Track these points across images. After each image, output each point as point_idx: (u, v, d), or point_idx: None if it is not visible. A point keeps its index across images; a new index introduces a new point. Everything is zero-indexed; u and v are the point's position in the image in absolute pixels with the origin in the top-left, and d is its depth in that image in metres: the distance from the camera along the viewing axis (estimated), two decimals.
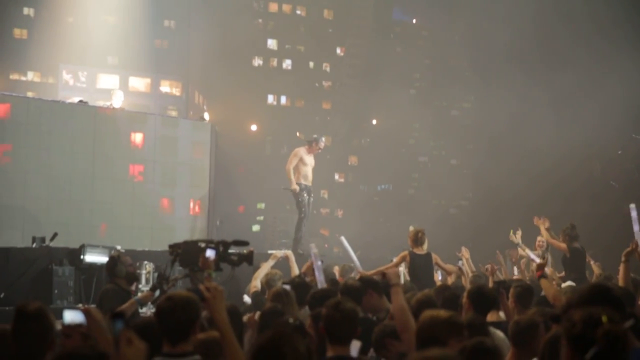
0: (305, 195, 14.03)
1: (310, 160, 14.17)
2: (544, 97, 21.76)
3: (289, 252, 10.77)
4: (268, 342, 3.42)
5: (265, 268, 10.18)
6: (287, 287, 7.10)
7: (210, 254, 6.69)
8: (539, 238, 12.87)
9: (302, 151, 14.11)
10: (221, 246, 7.84)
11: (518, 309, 7.04)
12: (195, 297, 4.37)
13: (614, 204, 22.72)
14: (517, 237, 12.41)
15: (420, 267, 10.38)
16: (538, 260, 11.23)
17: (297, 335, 3.56)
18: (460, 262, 10.68)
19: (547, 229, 12.45)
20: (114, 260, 8.24)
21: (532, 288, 7.51)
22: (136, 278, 9.00)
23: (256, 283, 9.76)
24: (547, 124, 21.64)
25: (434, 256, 10.65)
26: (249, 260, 7.61)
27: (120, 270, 8.08)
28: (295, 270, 9.74)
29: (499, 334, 5.72)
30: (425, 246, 10.72)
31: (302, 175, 13.97)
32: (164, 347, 4.24)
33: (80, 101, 15.12)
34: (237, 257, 7.71)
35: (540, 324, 5.19)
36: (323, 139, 14.36)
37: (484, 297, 5.97)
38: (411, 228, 11.27)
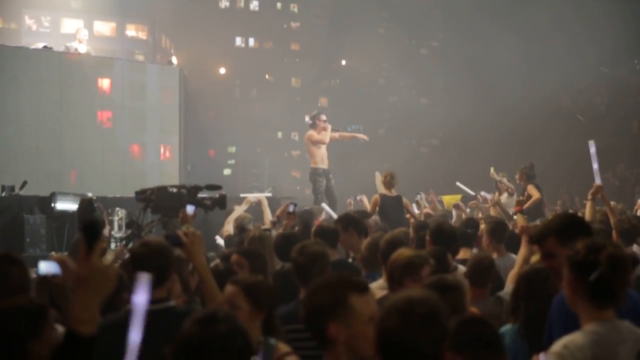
0: (322, 180, 13.49)
1: (327, 141, 13.51)
2: (512, 33, 21.74)
3: (262, 196, 10.76)
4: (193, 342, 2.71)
5: (237, 212, 10.19)
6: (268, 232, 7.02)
7: (190, 209, 6.72)
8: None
9: (314, 135, 13.49)
10: (194, 190, 7.86)
11: (493, 245, 7.15)
12: (168, 243, 4.38)
13: (581, 138, 23.03)
14: (496, 174, 12.69)
15: (390, 208, 10.54)
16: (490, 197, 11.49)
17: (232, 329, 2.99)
18: (418, 196, 10.86)
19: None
20: (90, 205, 8.07)
21: (504, 222, 7.61)
22: (107, 224, 8.81)
23: (228, 227, 9.76)
24: (515, 59, 21.71)
25: (405, 200, 10.90)
26: (222, 205, 7.62)
27: (97, 216, 7.95)
28: (268, 214, 9.73)
29: (461, 268, 5.80)
30: (395, 189, 10.95)
31: (319, 160, 13.48)
32: None
33: (45, 47, 14.82)
34: (210, 201, 7.73)
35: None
36: (322, 114, 13.76)
37: (444, 234, 6.03)
38: (377, 174, 11.44)
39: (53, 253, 10.82)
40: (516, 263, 5.72)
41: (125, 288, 4.43)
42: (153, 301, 4.13)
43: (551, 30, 21.87)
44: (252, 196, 10.89)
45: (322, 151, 13.52)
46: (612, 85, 24.39)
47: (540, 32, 22.27)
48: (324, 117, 13.56)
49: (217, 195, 7.65)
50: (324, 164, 13.52)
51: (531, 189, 11.89)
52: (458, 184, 13.16)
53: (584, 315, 3.12)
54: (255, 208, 10.58)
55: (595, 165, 7.48)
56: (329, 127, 13.51)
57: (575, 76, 23.58)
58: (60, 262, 4.39)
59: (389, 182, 11.02)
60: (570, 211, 10.43)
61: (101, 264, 2.34)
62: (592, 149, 7.62)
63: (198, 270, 4.46)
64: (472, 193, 12.94)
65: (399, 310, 2.61)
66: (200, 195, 7.68)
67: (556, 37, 21.92)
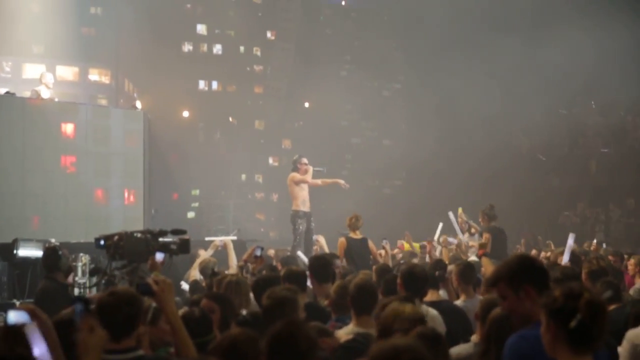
0: (303, 222, 13.39)
1: (310, 181, 13.53)
2: (473, 74, 22.12)
3: (228, 240, 10.75)
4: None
5: (203, 256, 10.17)
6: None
7: (159, 257, 6.73)
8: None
9: (296, 175, 13.48)
10: (160, 235, 7.84)
11: (461, 286, 7.24)
12: (138, 292, 4.38)
13: (541, 177, 23.42)
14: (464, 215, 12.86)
15: (356, 251, 10.61)
16: (456, 241, 11.64)
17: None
18: (384, 241, 10.95)
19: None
20: (55, 253, 7.98)
21: (472, 265, 7.71)
22: (72, 270, 8.70)
23: (195, 272, 9.74)
24: (477, 100, 22.04)
25: (370, 243, 11.01)
26: (186, 249, 7.64)
27: (63, 264, 7.87)
28: (233, 258, 9.73)
29: (432, 311, 5.87)
30: (359, 231, 11.06)
31: (301, 202, 13.41)
32: (106, 344, 4.18)
33: (7, 92, 14.75)
34: (175, 245, 7.74)
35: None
36: (303, 157, 13.64)
37: (415, 277, 6.11)
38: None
39: (16, 301, 10.67)
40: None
41: None
42: (122, 350, 4.15)
43: (511, 72, 22.29)
44: (219, 240, 10.88)
45: (304, 193, 13.46)
46: (571, 126, 24.89)
47: (500, 74, 22.69)
48: (305, 160, 13.59)
49: (179, 240, 7.64)
50: (305, 207, 13.47)
51: (485, 238, 12.05)
52: (450, 214, 13.25)
53: None
54: (221, 252, 10.58)
55: (566, 257, 7.75)
56: (311, 168, 13.55)
57: (535, 117, 24.05)
58: (30, 312, 4.37)
59: (353, 224, 11.15)
60: (533, 251, 10.63)
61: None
62: (570, 241, 7.86)
63: (169, 318, 4.46)
64: (457, 228, 13.06)
65: (385, 358, 2.67)
66: (165, 239, 7.67)
67: (516, 79, 22.34)
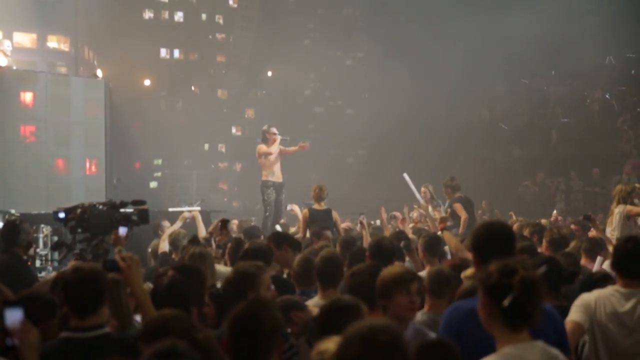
0: (272, 193, 13.37)
1: (275, 151, 13.41)
2: (434, 42, 22.11)
3: (196, 212, 10.69)
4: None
5: (172, 228, 10.12)
6: None
7: (122, 231, 6.68)
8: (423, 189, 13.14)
9: (262, 147, 13.41)
10: (121, 207, 7.80)
11: (427, 258, 7.29)
12: (101, 268, 4.34)
13: (502, 147, 23.62)
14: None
15: (318, 221, 10.59)
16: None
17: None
18: (361, 216, 10.93)
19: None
20: (16, 227, 7.84)
21: (439, 237, 7.75)
22: (32, 245, 8.57)
23: (164, 244, 9.69)
24: (438, 69, 22.06)
25: (334, 213, 11.02)
26: (145, 219, 7.62)
27: (22, 239, 7.74)
28: (202, 230, 9.68)
29: None
30: (324, 202, 11.06)
31: (269, 172, 13.37)
32: (71, 321, 4.12)
33: None
34: (136, 216, 7.71)
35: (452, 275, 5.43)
36: (272, 127, 13.54)
37: (382, 249, 6.13)
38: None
39: None
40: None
41: (55, 314, 4.36)
42: (88, 328, 4.10)
43: (472, 40, 22.34)
44: (187, 212, 10.82)
45: (272, 163, 13.41)
46: (532, 95, 25.08)
47: (461, 41, 22.74)
48: (274, 130, 13.50)
49: (138, 211, 7.62)
50: (274, 177, 13.43)
51: (458, 207, 12.08)
52: (405, 175, 13.26)
53: (499, 337, 3.21)
54: (189, 223, 10.54)
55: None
56: (279, 137, 13.48)
57: (496, 87, 24.18)
58: None
59: (317, 195, 11.15)
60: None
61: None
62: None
63: (136, 294, 4.46)
64: (414, 189, 13.07)
65: (361, 338, 2.65)
66: (126, 210, 7.63)
67: (478, 48, 22.39)
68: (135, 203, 7.58)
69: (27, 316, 4.07)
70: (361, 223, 10.34)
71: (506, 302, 3.11)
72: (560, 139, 23.55)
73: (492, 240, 3.99)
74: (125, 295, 4.83)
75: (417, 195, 12.98)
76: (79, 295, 4.10)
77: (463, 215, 11.89)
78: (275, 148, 13.39)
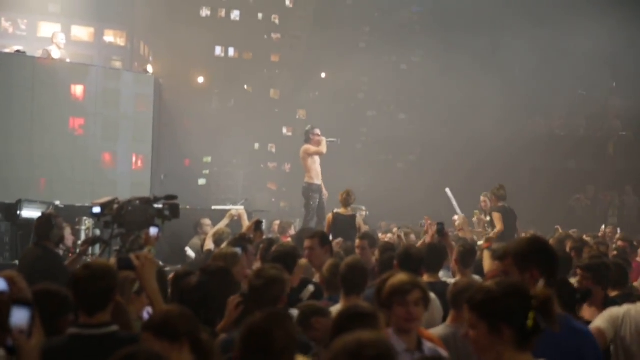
0: (317, 197, 13.20)
1: (322, 150, 13.30)
2: (491, 52, 21.83)
3: (242, 210, 10.69)
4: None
5: (218, 226, 10.15)
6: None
7: (153, 231, 6.69)
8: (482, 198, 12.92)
9: (311, 148, 13.24)
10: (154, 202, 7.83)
11: (459, 269, 7.12)
12: (113, 265, 4.32)
13: (558, 159, 23.17)
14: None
15: (340, 227, 10.46)
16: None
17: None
18: (399, 230, 10.77)
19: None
20: (49, 222, 7.85)
21: (474, 249, 7.59)
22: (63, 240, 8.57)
23: (209, 242, 9.73)
24: (493, 78, 21.77)
25: (358, 219, 10.91)
26: (176, 214, 7.65)
27: (55, 234, 7.76)
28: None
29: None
30: (350, 207, 10.97)
31: (314, 174, 13.21)
32: (80, 317, 4.11)
33: (18, 51, 14.65)
34: (168, 211, 7.71)
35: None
36: (315, 128, 13.40)
37: (411, 258, 6.04)
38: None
39: (17, 263, 10.63)
40: None
41: (71, 310, 4.32)
42: (95, 325, 4.06)
43: (529, 49, 22.00)
44: (234, 210, 10.81)
45: (317, 166, 13.30)
46: (590, 107, 24.58)
47: (523, 57, 22.40)
48: (317, 131, 13.38)
49: (169, 205, 7.64)
50: (318, 179, 13.30)
51: (496, 217, 11.84)
52: (447, 190, 13.07)
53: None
54: (237, 222, 10.55)
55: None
56: (324, 139, 13.33)
57: (553, 97, 23.73)
58: (9, 279, 4.28)
59: (345, 200, 11.04)
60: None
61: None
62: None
63: (149, 293, 4.45)
64: (455, 205, 12.89)
65: (348, 353, 2.59)
66: (158, 206, 7.66)
67: (535, 58, 22.05)
68: (167, 198, 7.61)
69: (42, 311, 4.04)
70: (399, 237, 10.21)
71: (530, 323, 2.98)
72: (617, 152, 23.00)
73: None
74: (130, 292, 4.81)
75: (457, 210, 12.76)
76: (89, 292, 4.11)
77: (499, 226, 11.66)
78: (324, 148, 13.25)
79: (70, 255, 8.59)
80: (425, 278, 6.54)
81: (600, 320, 4.41)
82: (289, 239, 10.90)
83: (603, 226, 13.77)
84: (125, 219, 7.61)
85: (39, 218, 8.11)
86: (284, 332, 3.38)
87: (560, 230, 12.20)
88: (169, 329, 3.54)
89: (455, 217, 12.73)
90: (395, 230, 11.64)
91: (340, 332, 3.65)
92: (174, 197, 7.58)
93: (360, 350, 2.56)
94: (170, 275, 5.89)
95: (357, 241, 8.35)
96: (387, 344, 2.66)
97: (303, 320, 4.90)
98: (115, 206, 7.73)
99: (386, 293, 4.33)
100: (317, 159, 13.27)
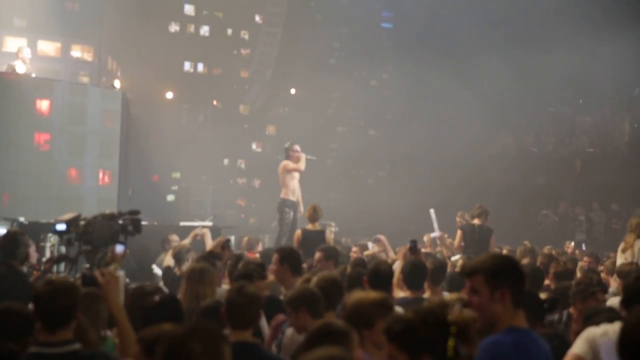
0: (291, 212, 13.11)
1: (301, 166, 13.19)
2: (459, 68, 21.96)
3: (206, 230, 10.57)
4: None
5: (180, 244, 10.06)
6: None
7: (119, 249, 6.60)
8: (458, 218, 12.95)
9: (289, 164, 13.15)
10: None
11: (429, 286, 7.05)
12: (75, 282, 4.24)
13: (527, 175, 23.33)
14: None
15: (311, 243, 10.37)
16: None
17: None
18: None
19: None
20: (16, 240, 7.69)
21: (445, 265, 7.54)
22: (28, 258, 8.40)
23: (168, 258, 9.65)
24: (462, 95, 21.91)
25: (327, 234, 10.85)
26: (138, 229, 7.58)
27: (21, 252, 7.61)
28: (210, 246, 9.48)
29: (398, 309, 5.68)
30: (318, 223, 10.91)
31: (290, 191, 13.11)
32: (40, 335, 4.01)
33: None
34: (131, 226, 7.64)
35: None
36: (295, 144, 13.27)
37: (380, 275, 6.02)
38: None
39: None
40: None
41: (33, 331, 4.19)
42: (57, 343, 3.94)
43: (498, 68, 22.15)
44: (199, 229, 10.70)
45: (295, 182, 13.21)
46: (559, 125, 24.83)
47: (487, 67, 22.52)
48: (297, 147, 13.26)
49: (131, 220, 7.57)
50: (294, 196, 13.20)
51: (457, 234, 12.00)
52: (431, 211, 13.01)
53: None
54: (199, 241, 10.44)
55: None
56: (303, 155, 13.23)
57: (521, 114, 23.94)
58: None
59: (312, 216, 10.99)
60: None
61: None
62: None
63: (113, 310, 4.38)
64: (435, 226, 12.85)
65: None
66: (123, 221, 7.58)
67: (504, 76, 22.20)
68: (130, 213, 7.51)
69: (1, 331, 3.92)
70: (381, 242, 10.18)
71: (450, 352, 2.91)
72: (584, 169, 23.22)
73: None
74: (104, 310, 4.69)
75: (436, 230, 12.73)
76: (50, 308, 4.02)
77: (455, 242, 11.82)
78: (303, 165, 13.15)
79: (35, 273, 8.42)
80: (398, 294, 6.51)
81: (578, 345, 4.32)
82: (257, 255, 10.80)
83: (567, 242, 13.89)
84: (92, 235, 7.49)
85: (5, 235, 7.94)
86: (202, 346, 3.18)
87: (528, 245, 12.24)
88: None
89: (427, 236, 12.75)
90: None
91: (312, 349, 3.56)
92: (136, 212, 7.49)
93: None
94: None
95: (317, 254, 8.27)
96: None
97: None
98: (82, 222, 7.60)
99: (368, 309, 4.26)
100: (295, 175, 13.18)
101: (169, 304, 4.73)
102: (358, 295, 4.41)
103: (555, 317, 5.88)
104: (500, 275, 3.63)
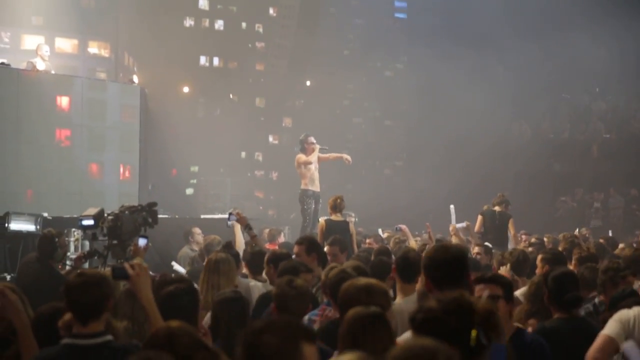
0: (312, 202, 13.19)
1: (314, 161, 13.27)
2: (476, 59, 21.93)
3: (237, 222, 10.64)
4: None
5: (212, 237, 10.09)
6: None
7: (142, 242, 6.72)
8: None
9: (302, 157, 13.24)
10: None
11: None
12: (107, 274, 4.27)
13: (544, 163, 23.29)
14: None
15: (335, 233, 10.39)
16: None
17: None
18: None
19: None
20: (53, 243, 7.92)
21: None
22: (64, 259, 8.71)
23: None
24: (478, 83, 21.88)
25: (351, 226, 10.85)
26: (155, 220, 7.76)
27: (59, 254, 7.86)
28: (240, 238, 9.55)
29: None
30: (341, 213, 10.94)
31: (309, 181, 13.19)
32: (73, 327, 4.04)
33: (2, 63, 14.57)
34: (152, 219, 7.80)
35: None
36: (309, 136, 13.35)
37: (409, 263, 5.80)
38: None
39: (7, 275, 10.57)
40: None
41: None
42: (90, 335, 4.00)
43: (515, 55, 22.12)
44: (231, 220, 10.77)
45: (312, 172, 13.26)
46: (573, 110, 24.74)
47: (504, 55, 22.49)
48: (312, 139, 13.33)
49: (149, 212, 7.76)
50: (314, 186, 13.26)
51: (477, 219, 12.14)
52: (451, 207, 13.05)
53: None
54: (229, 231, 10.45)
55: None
56: (317, 147, 13.32)
57: (537, 102, 23.85)
58: (0, 293, 4.29)
59: (337, 206, 10.96)
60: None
61: None
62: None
63: (143, 304, 4.35)
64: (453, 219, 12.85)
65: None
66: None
67: (521, 63, 22.18)
68: (149, 205, 7.70)
69: (49, 330, 4.02)
70: (403, 231, 10.24)
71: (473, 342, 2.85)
72: (601, 154, 23.15)
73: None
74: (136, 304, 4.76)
75: (463, 222, 12.75)
76: (82, 300, 4.03)
77: (476, 228, 11.92)
78: (314, 157, 13.25)
79: (60, 267, 8.59)
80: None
81: (610, 327, 4.36)
82: (277, 247, 10.89)
83: (578, 229, 13.92)
84: (121, 229, 7.68)
85: (42, 238, 8.20)
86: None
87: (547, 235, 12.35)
88: (170, 345, 3.45)
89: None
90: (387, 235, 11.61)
91: (355, 336, 3.65)
92: (154, 205, 7.72)
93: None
94: None
95: (327, 247, 8.20)
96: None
97: None
98: (109, 217, 7.77)
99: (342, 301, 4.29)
100: (311, 166, 13.25)
101: (181, 295, 4.62)
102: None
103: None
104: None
